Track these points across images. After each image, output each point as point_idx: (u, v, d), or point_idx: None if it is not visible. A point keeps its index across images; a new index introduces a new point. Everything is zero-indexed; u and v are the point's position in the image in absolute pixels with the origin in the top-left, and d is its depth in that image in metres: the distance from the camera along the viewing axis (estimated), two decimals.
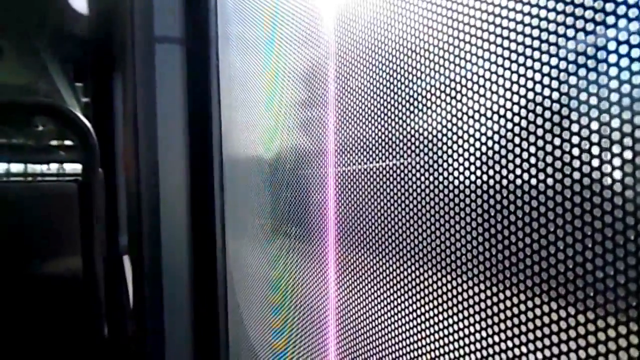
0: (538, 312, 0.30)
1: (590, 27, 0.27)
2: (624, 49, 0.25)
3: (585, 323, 0.27)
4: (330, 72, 0.58)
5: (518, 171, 0.32)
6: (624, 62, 0.25)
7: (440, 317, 0.40)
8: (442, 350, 0.40)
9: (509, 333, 0.33)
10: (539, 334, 0.30)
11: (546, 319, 0.30)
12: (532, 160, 0.31)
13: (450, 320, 0.39)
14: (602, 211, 0.26)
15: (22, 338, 1.20)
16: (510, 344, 0.33)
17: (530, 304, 0.31)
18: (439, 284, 0.40)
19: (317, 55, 0.61)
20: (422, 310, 0.42)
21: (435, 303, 0.40)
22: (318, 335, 0.62)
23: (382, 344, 0.48)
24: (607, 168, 0.26)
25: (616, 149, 0.25)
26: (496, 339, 0.34)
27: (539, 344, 0.30)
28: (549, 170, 0.29)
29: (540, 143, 0.30)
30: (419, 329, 0.43)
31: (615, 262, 0.25)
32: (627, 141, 0.25)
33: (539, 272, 0.30)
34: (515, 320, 0.32)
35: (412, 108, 0.43)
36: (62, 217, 1.23)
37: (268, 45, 0.77)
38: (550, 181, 0.29)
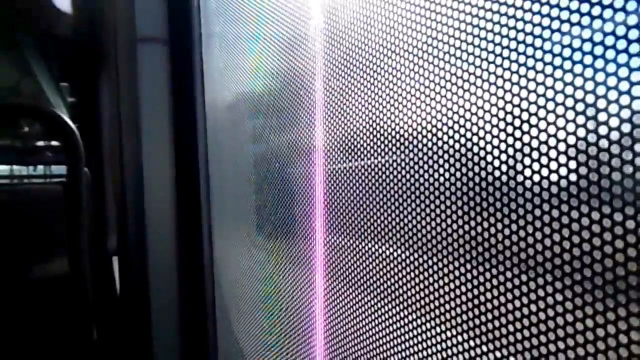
0: (526, 312, 0.31)
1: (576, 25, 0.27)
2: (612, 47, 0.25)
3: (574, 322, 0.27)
4: (315, 69, 0.58)
5: (504, 169, 0.32)
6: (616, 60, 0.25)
7: (429, 317, 0.40)
8: (429, 351, 0.40)
9: (496, 334, 0.33)
10: (527, 334, 0.31)
11: (534, 319, 0.30)
12: (521, 158, 0.31)
13: (438, 320, 0.39)
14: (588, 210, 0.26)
15: (10, 342, 1.18)
16: (497, 344, 0.33)
17: (517, 303, 0.31)
18: (428, 282, 0.40)
19: (302, 52, 0.61)
20: (413, 311, 0.43)
21: (424, 303, 0.41)
22: (307, 336, 0.62)
23: (371, 345, 0.49)
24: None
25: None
26: (483, 339, 0.34)
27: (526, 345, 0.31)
28: (538, 167, 0.30)
29: (527, 140, 0.30)
30: (410, 331, 0.43)
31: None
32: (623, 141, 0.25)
33: (526, 270, 0.31)
34: (503, 321, 0.33)
35: (399, 106, 0.44)
36: (48, 220, 1.22)
37: (252, 43, 0.77)
38: (539, 179, 0.30)
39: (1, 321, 1.18)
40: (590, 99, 0.26)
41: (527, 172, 0.30)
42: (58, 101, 3.70)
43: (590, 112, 0.26)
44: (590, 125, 0.26)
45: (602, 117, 0.25)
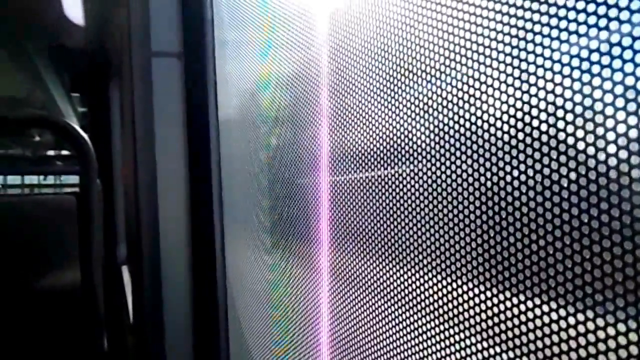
0: (530, 315, 0.30)
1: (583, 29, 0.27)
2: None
3: (584, 322, 0.27)
4: (327, 77, 0.58)
5: (514, 176, 0.32)
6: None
7: (437, 322, 0.40)
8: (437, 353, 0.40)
9: (501, 336, 0.33)
10: (534, 335, 0.31)
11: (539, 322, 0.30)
12: (531, 165, 0.31)
13: (446, 324, 0.39)
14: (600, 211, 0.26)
15: (21, 353, 1.19)
16: (502, 347, 0.33)
17: (522, 307, 0.31)
18: (436, 289, 0.40)
19: (314, 60, 0.61)
20: (423, 319, 0.42)
21: (433, 309, 0.40)
22: (319, 345, 0.62)
23: (381, 352, 0.48)
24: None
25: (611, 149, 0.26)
26: (489, 342, 0.34)
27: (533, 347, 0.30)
28: (545, 174, 0.30)
29: (537, 146, 0.30)
30: (421, 339, 0.43)
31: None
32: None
33: (530, 275, 0.30)
34: (507, 324, 0.32)
35: (408, 114, 0.43)
36: (60, 230, 1.23)
37: (265, 53, 0.78)
38: (547, 184, 0.30)
39: (12, 332, 1.19)
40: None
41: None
42: (69, 111, 3.75)
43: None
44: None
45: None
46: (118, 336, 1.56)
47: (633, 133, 0.24)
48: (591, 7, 0.26)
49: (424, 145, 0.41)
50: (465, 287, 0.37)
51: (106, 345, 1.20)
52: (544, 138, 0.30)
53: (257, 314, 0.86)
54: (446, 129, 0.38)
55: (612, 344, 0.26)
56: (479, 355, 0.36)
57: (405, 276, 0.44)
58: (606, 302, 0.26)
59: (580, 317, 0.27)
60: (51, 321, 1.20)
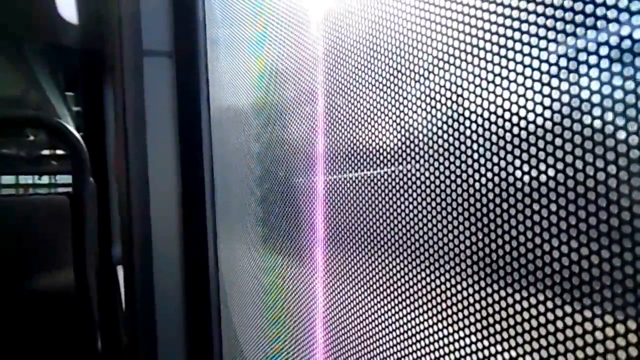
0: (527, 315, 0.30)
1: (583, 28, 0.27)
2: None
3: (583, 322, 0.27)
4: (321, 74, 0.58)
5: (518, 175, 0.32)
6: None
7: (435, 320, 0.40)
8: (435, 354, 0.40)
9: (500, 335, 0.33)
10: (534, 335, 0.30)
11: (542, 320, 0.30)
12: (534, 164, 0.31)
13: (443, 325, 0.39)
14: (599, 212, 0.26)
15: (14, 354, 1.18)
16: (502, 346, 0.33)
17: (518, 307, 0.31)
18: (433, 288, 0.40)
19: (307, 57, 0.61)
20: (418, 323, 0.42)
21: (430, 309, 0.40)
22: (313, 345, 0.62)
23: (374, 349, 0.48)
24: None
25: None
26: (487, 341, 0.34)
27: (534, 345, 0.30)
28: (551, 173, 0.29)
29: (542, 146, 0.30)
30: (418, 345, 0.43)
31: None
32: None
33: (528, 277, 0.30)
34: (504, 323, 0.32)
35: (405, 112, 0.43)
36: (54, 230, 1.22)
37: (258, 53, 0.78)
38: (552, 185, 0.29)
39: (6, 332, 1.18)
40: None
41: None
42: (63, 111, 3.73)
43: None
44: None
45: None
46: (113, 336, 1.56)
47: None
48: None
49: (423, 141, 0.41)
50: (460, 283, 0.37)
51: (100, 345, 1.19)
52: (546, 137, 0.29)
53: (250, 312, 0.86)
54: (446, 125, 0.38)
55: (610, 345, 0.26)
56: (476, 354, 0.36)
57: (401, 273, 0.44)
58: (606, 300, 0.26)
59: (577, 316, 0.27)
60: (45, 322, 1.19)
